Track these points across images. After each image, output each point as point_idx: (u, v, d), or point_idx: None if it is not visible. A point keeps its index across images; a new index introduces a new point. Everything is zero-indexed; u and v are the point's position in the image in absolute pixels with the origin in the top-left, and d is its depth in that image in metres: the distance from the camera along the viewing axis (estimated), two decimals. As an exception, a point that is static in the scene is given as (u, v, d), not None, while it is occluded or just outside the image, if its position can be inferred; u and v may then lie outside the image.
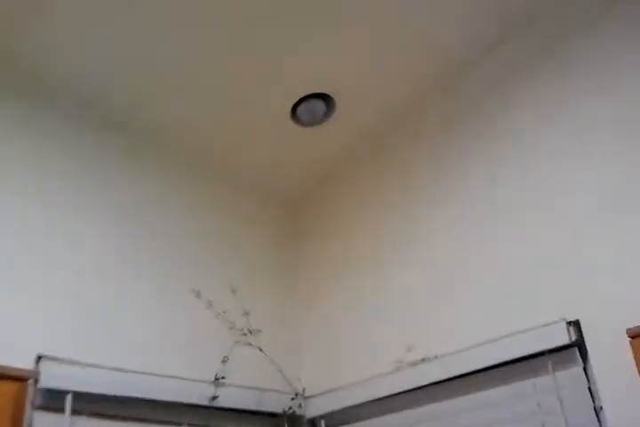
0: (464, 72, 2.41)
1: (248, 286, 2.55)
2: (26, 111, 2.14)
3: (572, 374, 1.88)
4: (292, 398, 2.44)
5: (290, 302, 2.72)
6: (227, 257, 2.55)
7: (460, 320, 2.20)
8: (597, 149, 1.96)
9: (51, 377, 1.85)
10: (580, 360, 1.86)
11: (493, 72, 2.33)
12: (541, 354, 1.95)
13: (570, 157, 2.03)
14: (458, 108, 2.43)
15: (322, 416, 2.48)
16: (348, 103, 2.47)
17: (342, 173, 2.82)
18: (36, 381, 1.81)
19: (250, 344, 2.44)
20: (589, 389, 1.82)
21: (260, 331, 2.48)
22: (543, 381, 1.96)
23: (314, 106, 2.51)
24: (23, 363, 1.81)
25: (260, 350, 2.46)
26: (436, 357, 2.19)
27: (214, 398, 2.21)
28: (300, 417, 2.48)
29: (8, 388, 1.75)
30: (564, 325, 1.88)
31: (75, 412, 1.90)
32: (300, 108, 2.51)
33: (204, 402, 2.19)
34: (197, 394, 2.18)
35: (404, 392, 2.27)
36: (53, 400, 1.86)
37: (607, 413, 1.74)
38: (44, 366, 1.85)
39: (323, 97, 2.47)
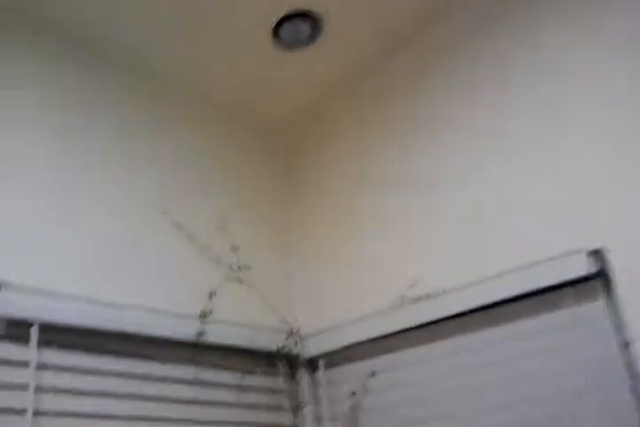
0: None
1: (237, 220, 2.39)
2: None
3: (596, 307, 1.71)
4: (287, 337, 2.29)
5: (282, 237, 2.55)
6: (214, 189, 2.39)
7: (471, 251, 2.02)
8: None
9: (12, 306, 1.69)
10: (606, 292, 1.69)
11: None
12: (562, 286, 1.78)
13: (596, 79, 1.83)
14: (467, 27, 2.21)
15: (319, 356, 2.33)
16: (338, 24, 2.27)
17: (338, 101, 2.63)
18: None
19: (239, 281, 2.28)
20: (615, 322, 1.65)
21: (249, 267, 2.32)
22: (564, 315, 1.79)
23: (298, 26, 2.33)
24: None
25: (251, 287, 2.30)
26: (443, 291, 2.02)
27: (201, 334, 2.05)
28: (297, 357, 2.33)
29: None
30: (586, 254, 1.71)
31: (43, 344, 1.75)
32: (283, 29, 2.33)
33: (190, 338, 2.03)
34: (182, 330, 2.03)
35: (408, 330, 2.11)
36: (18, 331, 1.71)
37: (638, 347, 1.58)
38: (6, 295, 1.69)
39: (308, 16, 2.28)
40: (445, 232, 2.10)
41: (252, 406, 2.17)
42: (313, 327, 2.35)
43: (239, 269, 2.28)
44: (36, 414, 1.68)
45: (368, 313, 2.20)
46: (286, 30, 2.33)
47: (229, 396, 2.13)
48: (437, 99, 2.24)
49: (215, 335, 2.09)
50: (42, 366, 1.74)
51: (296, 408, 2.29)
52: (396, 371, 2.14)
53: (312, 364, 2.36)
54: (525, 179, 1.92)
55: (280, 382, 2.28)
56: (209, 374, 2.10)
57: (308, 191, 2.62)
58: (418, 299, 2.08)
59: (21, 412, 1.65)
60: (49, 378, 1.74)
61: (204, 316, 2.08)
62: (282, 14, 2.24)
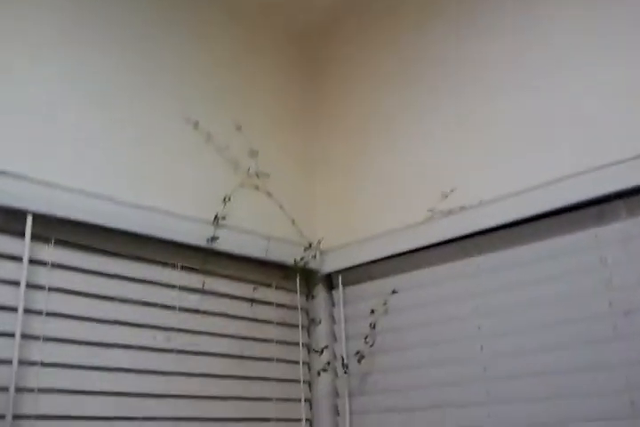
0: None
1: (256, 124, 2.20)
2: None
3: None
4: (306, 249, 2.14)
5: (304, 146, 2.36)
6: (234, 91, 2.19)
7: (510, 159, 1.84)
8: None
9: (8, 195, 1.55)
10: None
11: None
12: (611, 198, 1.61)
13: None
14: None
15: (338, 272, 2.18)
16: None
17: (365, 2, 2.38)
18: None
19: (257, 188, 2.12)
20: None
21: (268, 175, 2.14)
22: (611, 229, 1.63)
23: None
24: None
25: (269, 195, 2.13)
26: (480, 202, 1.84)
27: (213, 238, 1.90)
28: (315, 272, 2.18)
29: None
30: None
31: (38, 238, 1.62)
32: None
33: (202, 243, 1.89)
34: (193, 234, 1.88)
35: (436, 246, 1.95)
36: (13, 222, 1.58)
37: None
38: (3, 183, 1.55)
39: None
40: (484, 139, 1.90)
41: (263, 321, 2.05)
42: (333, 242, 2.19)
43: (257, 175, 2.11)
44: (28, 312, 1.56)
45: (393, 228, 2.03)
46: None
47: (239, 308, 2.00)
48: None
49: (228, 243, 1.94)
50: (36, 262, 1.60)
51: (310, 326, 2.16)
52: (419, 289, 1.99)
53: (330, 280, 2.22)
54: (574, 89, 1.73)
55: (295, 297, 2.15)
56: (219, 284, 1.96)
57: (333, 97, 2.40)
58: (450, 212, 1.90)
59: (11, 309, 1.53)
60: (43, 275, 1.61)
61: (217, 220, 1.93)
62: None
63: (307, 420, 2.05)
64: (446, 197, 1.93)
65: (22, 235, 1.57)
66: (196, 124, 2.00)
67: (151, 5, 2.02)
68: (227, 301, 1.97)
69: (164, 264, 1.85)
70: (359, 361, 2.03)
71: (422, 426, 1.87)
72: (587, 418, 1.58)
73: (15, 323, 1.51)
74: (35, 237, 1.60)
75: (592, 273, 1.64)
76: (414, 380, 1.93)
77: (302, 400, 2.06)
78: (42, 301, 1.59)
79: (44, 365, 1.56)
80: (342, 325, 2.13)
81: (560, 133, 1.74)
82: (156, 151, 1.90)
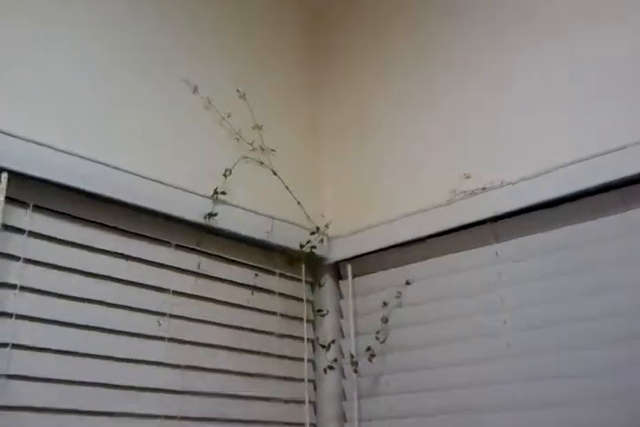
0: None
1: (262, 96, 1.99)
2: None
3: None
4: (313, 233, 1.93)
5: (314, 120, 2.16)
6: (239, 57, 1.98)
7: (536, 137, 1.67)
8: None
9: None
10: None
11: None
12: None
13: None
14: None
15: (348, 260, 1.97)
16: None
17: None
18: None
19: (261, 163, 1.91)
20: None
21: (274, 151, 1.94)
22: None
23: None
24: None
25: (274, 173, 1.93)
26: (502, 183, 1.65)
27: (211, 215, 1.70)
28: (322, 260, 1.97)
29: None
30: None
31: (14, 202, 1.40)
32: None
33: (198, 219, 1.68)
34: (189, 208, 1.67)
35: (455, 230, 1.75)
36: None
37: None
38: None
39: None
40: (508, 115, 1.72)
41: (263, 311, 1.83)
42: (342, 227, 1.98)
43: (261, 149, 1.91)
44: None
45: (408, 211, 1.83)
46: None
47: (238, 296, 1.78)
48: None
49: (227, 221, 1.74)
50: (10, 229, 1.39)
51: (315, 319, 1.95)
52: (436, 279, 1.79)
53: (338, 269, 2.01)
54: (599, 67, 1.57)
55: (300, 287, 1.93)
56: (217, 267, 1.75)
57: (346, 71, 2.20)
58: (472, 193, 1.71)
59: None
60: (18, 245, 1.39)
61: (216, 195, 1.72)
62: None
63: (310, 424, 1.82)
64: (468, 177, 1.73)
65: (-6, 193, 1.35)
66: (195, 89, 1.79)
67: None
68: (224, 286, 1.76)
69: (156, 241, 1.64)
70: (370, 359, 1.82)
71: (440, 433, 1.65)
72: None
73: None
74: (10, 201, 1.38)
75: (629, 261, 1.45)
76: (431, 381, 1.72)
77: (306, 402, 1.83)
78: (15, 274, 1.36)
79: (14, 346, 1.33)
80: (351, 318, 1.92)
81: (589, 112, 1.57)
82: (149, 115, 1.70)
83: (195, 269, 1.69)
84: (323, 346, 1.89)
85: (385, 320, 1.83)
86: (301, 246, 1.88)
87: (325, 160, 2.12)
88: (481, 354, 1.65)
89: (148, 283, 1.58)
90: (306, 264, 1.94)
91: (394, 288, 1.84)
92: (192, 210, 1.67)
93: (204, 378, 1.64)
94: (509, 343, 1.61)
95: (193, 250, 1.70)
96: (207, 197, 1.71)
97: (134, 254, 1.58)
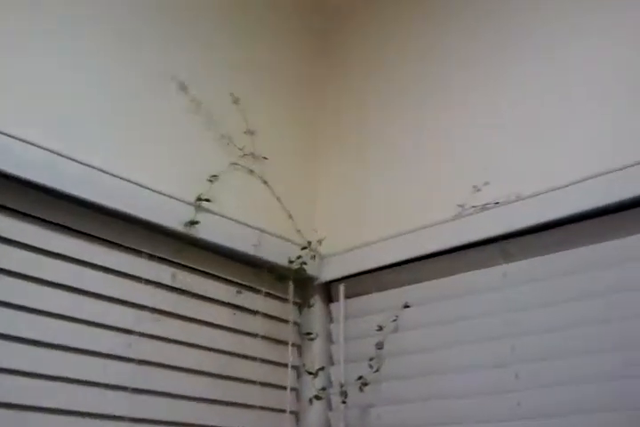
0: None
1: (256, 102, 1.84)
2: None
3: None
4: (304, 248, 1.76)
5: (309, 130, 2.01)
6: (233, 60, 1.84)
7: (552, 149, 1.53)
8: None
9: None
10: None
11: None
12: None
13: None
14: None
15: (340, 280, 1.81)
16: None
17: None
18: None
19: (251, 171, 1.76)
20: None
21: (266, 159, 1.79)
22: None
23: None
24: None
25: (265, 182, 1.78)
26: (516, 197, 1.50)
27: (192, 223, 1.53)
28: (312, 279, 1.80)
29: None
30: None
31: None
32: None
33: (178, 227, 1.51)
34: (168, 214, 1.51)
35: (463, 248, 1.59)
36: None
37: None
38: None
39: None
40: (524, 125, 1.58)
41: (245, 333, 1.66)
42: (335, 243, 1.82)
43: (252, 156, 1.75)
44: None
45: (409, 228, 1.67)
46: None
47: (217, 314, 1.62)
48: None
49: (210, 231, 1.58)
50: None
51: (302, 343, 1.78)
52: (437, 303, 1.62)
53: (329, 290, 1.84)
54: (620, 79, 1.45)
55: (286, 307, 1.77)
56: (194, 281, 1.58)
57: (343, 77, 2.06)
58: (482, 208, 1.56)
59: None
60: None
61: (200, 201, 1.56)
62: None
63: (291, 461, 1.64)
64: (479, 190, 1.59)
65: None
66: (184, 88, 1.65)
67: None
68: (203, 303, 1.59)
69: (129, 250, 1.47)
70: (361, 389, 1.64)
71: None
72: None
73: None
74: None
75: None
76: (430, 415, 1.55)
77: (288, 436, 1.66)
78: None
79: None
80: (342, 344, 1.75)
81: (613, 123, 1.44)
82: (132, 110, 1.55)
83: (168, 283, 1.52)
84: (310, 373, 1.71)
85: (380, 347, 1.66)
86: (290, 262, 1.71)
87: (320, 171, 1.97)
88: (487, 384, 1.48)
89: (113, 295, 1.41)
90: (294, 283, 1.77)
91: (390, 311, 1.68)
92: (171, 216, 1.51)
93: (175, 406, 1.45)
94: (517, 375, 1.44)
95: (169, 261, 1.53)
96: (189, 203, 1.55)
97: (103, 264, 1.41)
